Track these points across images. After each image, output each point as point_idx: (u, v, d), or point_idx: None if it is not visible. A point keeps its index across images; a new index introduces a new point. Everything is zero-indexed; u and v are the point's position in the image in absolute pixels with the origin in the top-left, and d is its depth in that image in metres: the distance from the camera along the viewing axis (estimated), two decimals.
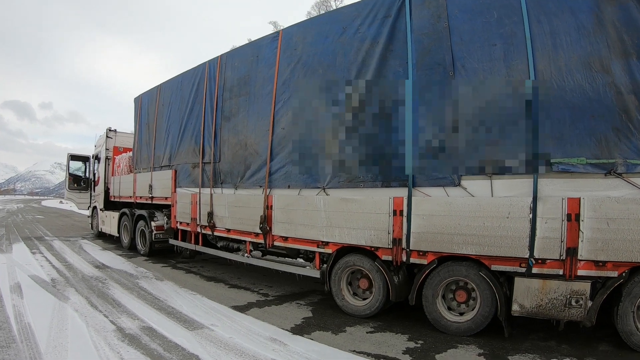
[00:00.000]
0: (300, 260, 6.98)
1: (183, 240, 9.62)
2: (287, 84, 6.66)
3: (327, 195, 5.88)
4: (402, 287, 5.34)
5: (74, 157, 16.77)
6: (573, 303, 4.13)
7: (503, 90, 4.57)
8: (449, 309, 5.01)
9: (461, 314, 4.95)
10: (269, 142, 6.71)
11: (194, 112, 8.77)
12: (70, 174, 16.79)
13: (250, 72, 7.50)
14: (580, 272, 4.09)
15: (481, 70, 4.74)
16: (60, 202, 64.70)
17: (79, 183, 16.87)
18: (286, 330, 5.19)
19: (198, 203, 8.33)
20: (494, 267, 4.52)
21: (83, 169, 17.02)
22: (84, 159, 16.74)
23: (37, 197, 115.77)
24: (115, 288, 7.15)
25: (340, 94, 5.62)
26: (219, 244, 8.52)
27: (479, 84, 4.72)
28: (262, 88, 7.13)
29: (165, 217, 10.28)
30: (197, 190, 8.44)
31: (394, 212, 5.05)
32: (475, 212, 4.53)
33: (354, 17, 5.89)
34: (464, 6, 4.92)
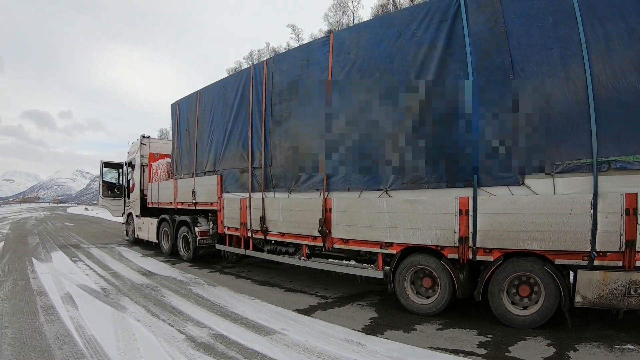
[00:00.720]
0: (353, 261, 7.54)
1: (228, 245, 10.28)
2: (342, 87, 7.14)
3: (389, 197, 6.45)
4: (466, 284, 5.91)
5: (107, 165, 17.79)
6: (632, 292, 4.69)
7: (562, 93, 5.13)
8: (513, 303, 5.56)
9: (524, 307, 5.50)
10: (325, 145, 7.20)
11: (239, 117, 9.42)
12: (104, 182, 17.75)
13: (301, 76, 8.14)
14: (638, 263, 4.68)
15: (539, 73, 5.28)
16: (86, 209, 67.11)
17: (113, 190, 17.86)
18: (358, 331, 5.62)
19: (248, 208, 9.02)
20: (558, 261, 5.10)
21: (116, 176, 17.83)
22: (117, 166, 17.76)
23: (62, 205, 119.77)
24: (170, 296, 7.65)
25: (401, 96, 6.17)
26: (266, 248, 9.21)
27: (539, 86, 5.26)
28: (315, 91, 7.64)
29: (211, 222, 11.04)
30: (246, 195, 9.13)
31: (460, 211, 5.62)
32: (539, 210, 5.10)
33: (409, 21, 6.46)
34: (520, 11, 5.47)
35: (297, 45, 61.27)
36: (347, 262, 7.55)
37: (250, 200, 8.99)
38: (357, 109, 6.70)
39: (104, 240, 18.20)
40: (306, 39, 63.14)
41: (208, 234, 11.09)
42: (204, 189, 10.78)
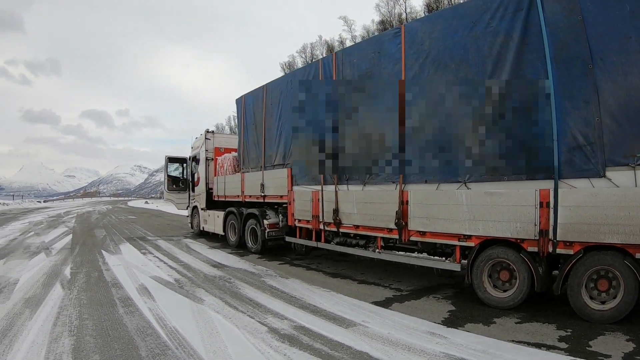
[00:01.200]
0: (424, 254, 7.79)
1: (298, 237, 10.85)
2: (416, 79, 7.59)
3: (468, 189, 6.74)
4: (545, 278, 6.13)
5: (171, 160, 18.85)
6: None
7: None
8: (591, 298, 5.75)
9: (602, 302, 5.67)
10: (401, 137, 7.56)
11: (307, 109, 9.75)
12: (168, 176, 18.70)
13: (373, 68, 8.56)
14: None
15: (619, 63, 5.42)
16: (146, 202, 70.61)
17: (178, 184, 18.79)
18: (438, 323, 5.87)
19: (321, 200, 9.54)
20: (639, 256, 5.24)
21: (180, 171, 18.75)
22: (181, 161, 18.70)
23: (122, 198, 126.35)
24: (244, 287, 8.15)
25: (480, 87, 6.46)
26: (335, 240, 9.70)
27: (619, 76, 5.42)
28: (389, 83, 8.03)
29: (280, 215, 11.67)
30: (318, 187, 9.66)
31: (541, 204, 5.84)
32: (621, 202, 5.28)
33: (483, 11, 6.70)
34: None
35: (350, 37, 63.72)
36: (420, 254, 7.82)
37: (322, 193, 9.49)
38: (434, 101, 7.01)
39: (169, 232, 19.51)
40: (359, 31, 64.12)
41: (277, 226, 11.69)
42: (273, 182, 11.46)
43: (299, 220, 10.41)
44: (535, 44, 6.05)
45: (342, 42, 65.28)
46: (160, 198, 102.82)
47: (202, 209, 16.93)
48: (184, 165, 18.96)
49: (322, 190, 9.50)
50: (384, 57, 8.28)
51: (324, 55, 65.01)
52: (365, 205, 8.46)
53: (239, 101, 13.61)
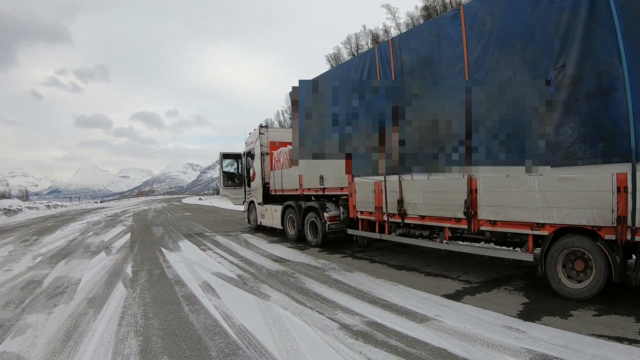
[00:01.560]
0: (492, 244, 7.76)
1: (357, 229, 11.06)
2: (480, 62, 7.57)
3: (540, 175, 6.65)
4: (622, 267, 6.03)
5: (226, 156, 19.45)
6: None
7: None
8: None
9: None
10: (467, 123, 7.46)
11: (365, 98, 9.81)
12: (224, 172, 19.19)
13: (432, 52, 8.57)
14: None
15: None
16: (200, 198, 72.91)
17: (233, 180, 19.31)
18: (513, 317, 5.86)
19: (384, 191, 9.69)
20: None
21: (235, 166, 19.22)
22: (236, 157, 19.17)
23: (175, 196, 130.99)
24: (309, 282, 8.33)
25: (550, 71, 6.41)
26: (397, 232, 9.83)
27: None
28: (450, 68, 8.15)
29: (342, 207, 11.88)
30: (380, 178, 9.77)
31: (618, 188, 5.74)
32: None
33: None
34: None
35: (394, 24, 64.48)
36: (487, 244, 7.80)
37: (385, 184, 9.62)
38: (502, 84, 6.96)
39: (225, 227, 20.24)
40: (403, 18, 64.99)
41: (337, 218, 11.96)
42: (332, 174, 11.79)
43: (361, 212, 10.59)
44: (605, 19, 5.87)
45: (386, 31, 65.75)
46: (213, 194, 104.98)
47: (259, 204, 17.43)
48: (239, 160, 19.49)
49: (384, 180, 9.62)
50: (444, 40, 8.28)
51: (369, 45, 66.41)
52: (431, 194, 8.54)
53: (292, 93, 13.78)
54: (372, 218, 10.23)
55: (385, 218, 9.73)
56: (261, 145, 16.73)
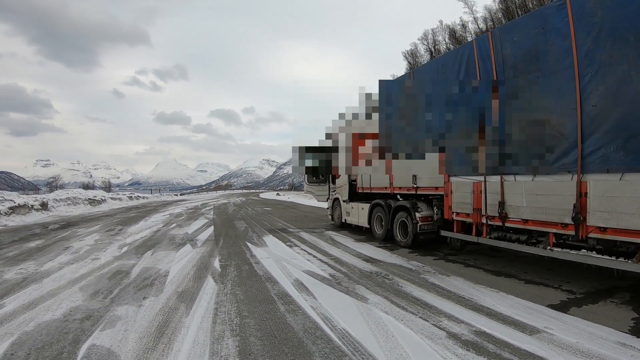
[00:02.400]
0: (594, 252, 7.35)
1: (450, 230, 10.92)
2: (590, 56, 7.16)
3: None
4: None
5: (309, 150, 19.14)
6: None
7: None
8: None
9: None
10: (578, 122, 7.27)
11: (465, 94, 9.58)
12: (308, 168, 19.23)
13: (538, 45, 8.23)
14: None
15: None
16: (277, 194, 75.16)
17: (317, 176, 19.27)
18: (625, 332, 5.59)
19: (483, 192, 9.51)
20: None
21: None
22: (321, 151, 19.00)
23: (252, 191, 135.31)
24: (406, 285, 8.23)
25: None
26: (493, 235, 9.54)
27: None
28: (558, 62, 7.76)
29: (435, 207, 11.83)
30: (479, 178, 9.63)
31: None
32: None
33: None
34: None
35: (472, 18, 65.44)
36: (591, 252, 7.39)
37: (485, 184, 9.42)
38: (617, 80, 6.62)
39: (308, 224, 20.55)
40: (480, 12, 66.39)
41: (430, 219, 11.86)
42: (426, 173, 11.69)
43: (457, 214, 10.43)
44: None
45: (463, 25, 66.90)
46: (291, 190, 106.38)
47: (344, 201, 17.57)
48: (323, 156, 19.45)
49: (484, 181, 9.44)
50: (550, 32, 7.93)
51: (447, 40, 69.06)
52: (536, 197, 8.22)
53: (381, 84, 13.63)
54: (468, 220, 10.05)
55: (483, 220, 9.51)
56: (346, 140, 16.51)
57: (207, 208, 34.54)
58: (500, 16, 60.69)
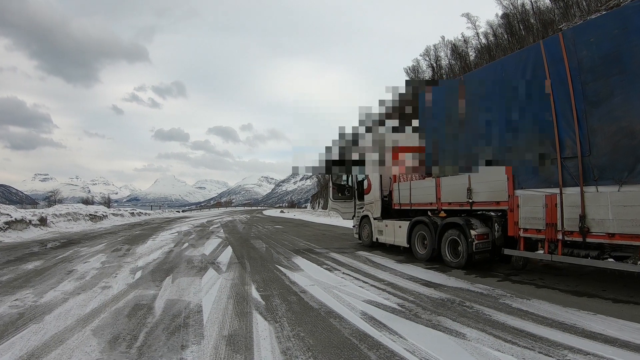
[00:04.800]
0: None
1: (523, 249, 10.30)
2: None
3: None
4: None
5: (335, 163, 18.65)
6: None
7: None
8: None
9: None
10: None
11: (533, 100, 9.25)
12: (334, 184, 18.70)
13: (620, 47, 7.94)
14: None
15: None
16: (281, 211, 74.88)
17: (343, 192, 18.95)
18: None
19: (559, 205, 9.04)
20: None
21: (345, 178, 18.76)
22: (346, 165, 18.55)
23: (254, 208, 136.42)
24: (493, 313, 7.44)
25: None
26: (562, 251, 9.04)
27: None
28: None
29: (496, 223, 11.35)
30: (552, 190, 9.19)
31: None
32: None
33: None
34: None
35: (474, 34, 68.88)
36: None
37: (561, 197, 8.98)
38: None
39: (332, 243, 19.88)
40: (482, 27, 69.94)
41: (486, 237, 11.27)
42: (485, 186, 11.19)
43: (525, 230, 9.91)
44: None
45: (465, 41, 70.35)
46: (292, 207, 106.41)
47: (375, 219, 16.97)
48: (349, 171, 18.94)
49: (560, 193, 9.01)
50: (633, 33, 7.65)
51: (449, 56, 72.15)
52: (624, 209, 7.85)
53: (422, 94, 13.14)
54: (540, 236, 9.56)
55: (559, 236, 9.04)
56: (379, 152, 15.84)
57: (215, 226, 34.01)
58: (501, 32, 62.65)
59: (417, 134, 13.47)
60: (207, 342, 6.13)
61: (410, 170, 14.34)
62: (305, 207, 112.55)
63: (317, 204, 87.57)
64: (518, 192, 10.05)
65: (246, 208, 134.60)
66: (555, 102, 8.98)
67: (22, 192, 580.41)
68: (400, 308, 7.88)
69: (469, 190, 11.52)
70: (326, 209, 70.60)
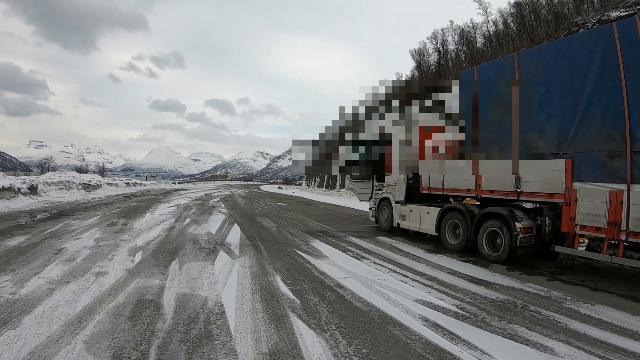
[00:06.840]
0: None
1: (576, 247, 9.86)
2: None
3: None
4: None
5: (355, 142, 18.10)
6: None
7: None
8: None
9: None
10: None
11: (603, 87, 9.10)
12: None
13: None
14: None
15: None
16: (279, 187, 75.00)
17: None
18: None
19: (624, 203, 8.57)
20: None
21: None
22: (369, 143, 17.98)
23: (250, 182, 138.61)
24: (566, 321, 6.75)
25: None
26: (608, 252, 8.73)
27: None
28: None
29: (547, 217, 10.77)
30: (618, 186, 8.72)
31: None
32: None
33: None
34: None
35: (484, 20, 67.64)
36: None
37: (630, 194, 8.51)
38: None
39: (346, 226, 19.37)
40: (493, 15, 68.87)
41: (530, 231, 10.75)
42: (538, 176, 10.60)
43: (582, 227, 9.38)
44: None
45: (474, 27, 69.56)
46: (288, 184, 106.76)
47: (397, 202, 16.35)
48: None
49: (628, 190, 8.54)
50: None
51: (456, 41, 71.73)
52: None
53: (467, 74, 12.55)
54: (600, 235, 9.07)
55: (622, 237, 8.58)
56: (406, 130, 14.74)
57: (215, 200, 33.96)
58: (511, 20, 62.97)
59: (443, 117, 12.80)
60: (244, 356, 4.96)
61: (444, 155, 13.66)
62: (300, 185, 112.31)
63: (312, 182, 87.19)
64: (577, 184, 9.53)
65: (242, 182, 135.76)
66: (627, 90, 8.47)
67: (16, 159, 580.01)
68: (462, 312, 7.05)
69: (518, 178, 10.87)
70: (322, 187, 71.26)
